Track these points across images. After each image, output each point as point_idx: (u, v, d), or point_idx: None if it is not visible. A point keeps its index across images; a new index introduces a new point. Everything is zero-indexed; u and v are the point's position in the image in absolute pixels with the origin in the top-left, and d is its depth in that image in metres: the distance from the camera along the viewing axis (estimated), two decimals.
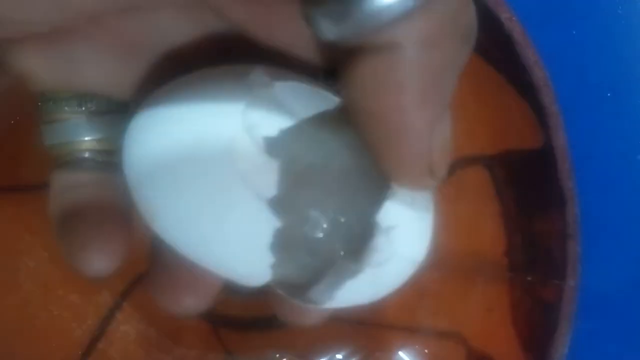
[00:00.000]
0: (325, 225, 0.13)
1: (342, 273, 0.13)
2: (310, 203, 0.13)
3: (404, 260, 0.14)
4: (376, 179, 0.13)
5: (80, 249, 0.14)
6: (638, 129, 0.30)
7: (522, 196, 0.26)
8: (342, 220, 0.13)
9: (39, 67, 0.14)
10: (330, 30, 0.10)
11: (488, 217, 0.27)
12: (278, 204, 0.12)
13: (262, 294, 0.26)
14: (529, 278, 0.26)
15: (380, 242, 0.13)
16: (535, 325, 0.25)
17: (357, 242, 0.13)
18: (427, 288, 0.27)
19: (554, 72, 0.25)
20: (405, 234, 0.13)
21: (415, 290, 0.27)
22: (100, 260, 0.14)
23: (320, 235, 0.13)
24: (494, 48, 0.24)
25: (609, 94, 0.30)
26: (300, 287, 0.14)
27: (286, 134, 0.12)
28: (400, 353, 0.26)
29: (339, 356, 0.26)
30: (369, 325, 0.26)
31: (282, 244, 0.13)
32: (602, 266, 0.29)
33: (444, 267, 0.27)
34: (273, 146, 0.12)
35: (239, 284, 0.14)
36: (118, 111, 0.15)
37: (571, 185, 0.24)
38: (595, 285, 0.27)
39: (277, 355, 0.26)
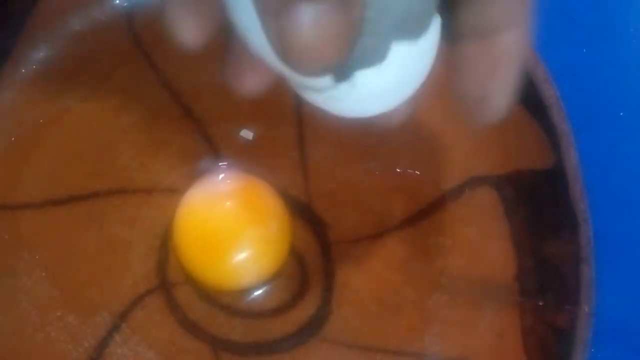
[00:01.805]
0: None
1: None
2: None
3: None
4: None
5: None
6: None
7: (533, 218, 0.26)
8: None
9: None
10: None
11: (497, 240, 0.26)
12: None
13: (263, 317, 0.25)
14: (541, 303, 0.25)
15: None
16: (549, 352, 0.24)
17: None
18: (435, 312, 0.26)
19: (565, 91, 0.24)
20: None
21: (423, 314, 0.26)
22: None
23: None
24: None
25: (621, 113, 0.30)
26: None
27: None
28: None
29: None
30: (374, 351, 0.25)
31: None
32: (618, 291, 0.28)
33: (452, 291, 0.26)
34: None
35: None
36: None
37: (584, 206, 0.24)
38: (611, 310, 0.25)
39: None
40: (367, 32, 0.13)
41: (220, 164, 0.26)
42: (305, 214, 0.26)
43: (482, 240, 0.26)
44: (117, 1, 0.26)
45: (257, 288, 0.25)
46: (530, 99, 0.24)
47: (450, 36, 0.15)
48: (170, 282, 0.25)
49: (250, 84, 0.16)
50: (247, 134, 0.26)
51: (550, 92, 0.23)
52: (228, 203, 0.24)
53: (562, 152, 0.23)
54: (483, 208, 0.26)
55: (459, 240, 0.26)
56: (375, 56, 0.14)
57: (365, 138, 0.25)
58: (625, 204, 0.29)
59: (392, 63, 0.14)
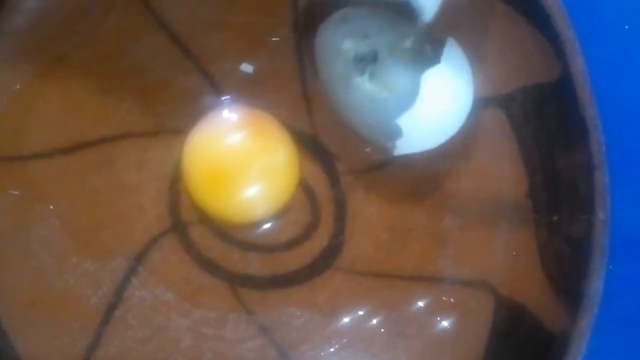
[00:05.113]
0: None
1: None
2: None
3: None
4: None
5: None
6: None
7: (541, 133, 0.25)
8: None
9: None
10: None
11: (507, 159, 0.26)
12: None
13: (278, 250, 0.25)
14: (555, 217, 0.25)
15: None
16: (566, 266, 0.24)
17: None
18: (448, 236, 0.26)
19: (569, 4, 0.24)
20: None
21: (436, 239, 0.26)
22: None
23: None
24: None
25: (626, 27, 0.29)
26: None
27: None
28: (420, 304, 0.25)
29: (360, 312, 0.25)
30: (389, 277, 0.25)
31: None
32: (634, 206, 0.28)
33: (464, 213, 0.26)
34: None
35: None
36: None
37: (593, 113, 0.23)
38: (626, 225, 0.25)
39: (299, 313, 0.25)
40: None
41: (223, 99, 0.26)
42: (311, 146, 0.26)
43: (491, 161, 0.26)
44: None
45: (269, 221, 0.25)
46: (531, 9, 0.23)
47: None
48: (183, 222, 0.25)
49: None
50: (247, 67, 0.26)
51: (551, 1, 0.23)
52: (235, 137, 0.24)
53: (567, 60, 0.23)
54: (491, 129, 0.26)
55: (469, 163, 0.26)
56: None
57: None
58: (635, 116, 0.28)
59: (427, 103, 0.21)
